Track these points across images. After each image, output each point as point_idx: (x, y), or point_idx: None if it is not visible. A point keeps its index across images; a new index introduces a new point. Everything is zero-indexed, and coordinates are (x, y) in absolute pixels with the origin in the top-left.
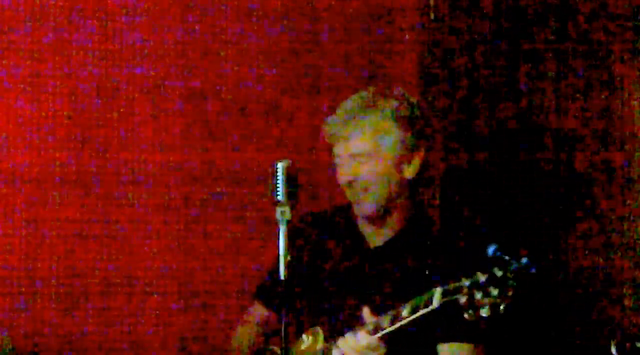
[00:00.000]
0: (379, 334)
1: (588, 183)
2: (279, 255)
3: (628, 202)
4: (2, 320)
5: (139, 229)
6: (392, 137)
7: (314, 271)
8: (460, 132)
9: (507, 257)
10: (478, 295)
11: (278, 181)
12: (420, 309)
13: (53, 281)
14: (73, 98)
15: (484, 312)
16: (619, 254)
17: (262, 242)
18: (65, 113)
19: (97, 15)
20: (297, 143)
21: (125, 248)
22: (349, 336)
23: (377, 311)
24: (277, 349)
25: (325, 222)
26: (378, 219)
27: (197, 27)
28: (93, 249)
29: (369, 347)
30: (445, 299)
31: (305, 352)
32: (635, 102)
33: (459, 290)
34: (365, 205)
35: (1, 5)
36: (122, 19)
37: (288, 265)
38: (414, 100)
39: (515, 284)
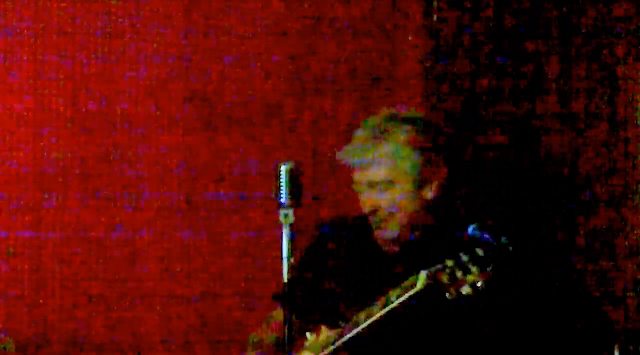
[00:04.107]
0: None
1: (591, 184)
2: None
3: (631, 203)
4: (6, 321)
5: (142, 230)
6: (409, 163)
7: (330, 276)
8: (464, 134)
9: (486, 236)
10: (459, 274)
11: (281, 184)
12: (407, 291)
13: (56, 282)
14: (76, 98)
15: (465, 290)
16: (622, 255)
17: (266, 244)
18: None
19: (100, 14)
20: (301, 145)
21: (129, 249)
22: None
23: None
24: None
25: (343, 229)
26: (400, 240)
27: (200, 28)
28: (96, 250)
29: None
30: (429, 281)
31: (308, 346)
32: (639, 104)
33: (441, 270)
34: (388, 232)
35: (5, 4)
36: (125, 19)
37: (295, 270)
38: (429, 121)
39: (493, 261)
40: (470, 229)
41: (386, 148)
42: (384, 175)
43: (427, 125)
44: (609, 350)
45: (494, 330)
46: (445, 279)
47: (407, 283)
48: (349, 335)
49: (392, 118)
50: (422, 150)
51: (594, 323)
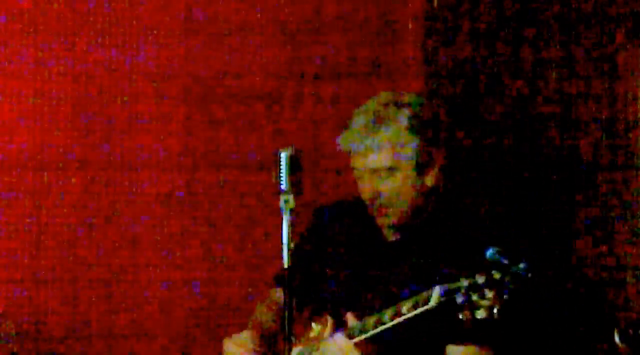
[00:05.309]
0: (356, 339)
1: (591, 170)
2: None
3: (631, 189)
4: (6, 308)
5: (142, 216)
6: (410, 149)
7: (327, 261)
8: (464, 119)
9: (505, 261)
10: (474, 297)
11: (281, 170)
12: (419, 307)
13: (56, 269)
14: (76, 85)
15: (480, 314)
16: (622, 241)
17: (266, 230)
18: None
19: (101, 1)
20: (301, 130)
21: (129, 235)
22: (329, 339)
23: (377, 306)
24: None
25: (342, 214)
26: (401, 227)
27: (200, 14)
28: (96, 237)
29: (341, 350)
30: (442, 299)
31: (313, 340)
32: (639, 90)
33: (456, 290)
34: (388, 218)
35: None
36: (126, 5)
37: (291, 254)
38: (427, 105)
39: (511, 287)
40: (489, 253)
41: (387, 133)
42: (386, 161)
43: (426, 110)
44: (608, 335)
45: (510, 315)
46: (459, 299)
47: (420, 297)
48: (354, 340)
49: (390, 102)
50: (422, 134)
51: (594, 308)
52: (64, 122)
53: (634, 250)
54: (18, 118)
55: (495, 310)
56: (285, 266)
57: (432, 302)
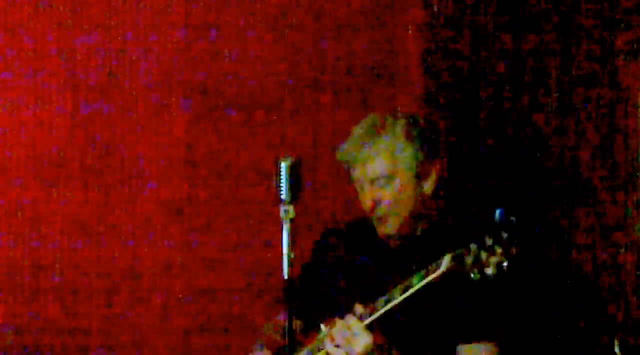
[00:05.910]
0: (367, 320)
1: (591, 179)
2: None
3: (631, 198)
4: (6, 317)
5: (142, 226)
6: (407, 155)
7: (331, 271)
8: (464, 128)
9: (513, 219)
10: (483, 255)
11: (282, 180)
12: (430, 274)
13: (56, 278)
14: (77, 94)
15: (489, 271)
16: (622, 250)
17: (266, 239)
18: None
19: (101, 10)
20: (301, 140)
21: (129, 244)
22: (340, 322)
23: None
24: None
25: (346, 229)
26: (402, 235)
27: (200, 23)
28: (96, 245)
29: (352, 332)
30: (453, 263)
31: (321, 340)
32: (638, 98)
33: (466, 251)
34: (389, 227)
35: (5, 1)
36: (126, 14)
37: (291, 264)
38: (424, 115)
39: (519, 242)
40: (497, 214)
41: (384, 142)
42: (384, 168)
43: (422, 119)
44: (609, 343)
45: (514, 311)
46: (469, 261)
47: (430, 267)
48: (367, 321)
49: (387, 114)
50: (419, 142)
51: (594, 316)
52: (64, 131)
53: (634, 260)
54: (18, 127)
55: (504, 264)
56: (285, 276)
57: (443, 267)
